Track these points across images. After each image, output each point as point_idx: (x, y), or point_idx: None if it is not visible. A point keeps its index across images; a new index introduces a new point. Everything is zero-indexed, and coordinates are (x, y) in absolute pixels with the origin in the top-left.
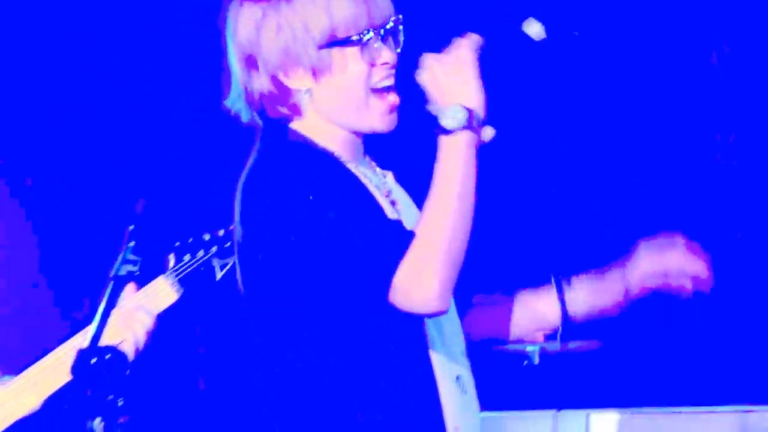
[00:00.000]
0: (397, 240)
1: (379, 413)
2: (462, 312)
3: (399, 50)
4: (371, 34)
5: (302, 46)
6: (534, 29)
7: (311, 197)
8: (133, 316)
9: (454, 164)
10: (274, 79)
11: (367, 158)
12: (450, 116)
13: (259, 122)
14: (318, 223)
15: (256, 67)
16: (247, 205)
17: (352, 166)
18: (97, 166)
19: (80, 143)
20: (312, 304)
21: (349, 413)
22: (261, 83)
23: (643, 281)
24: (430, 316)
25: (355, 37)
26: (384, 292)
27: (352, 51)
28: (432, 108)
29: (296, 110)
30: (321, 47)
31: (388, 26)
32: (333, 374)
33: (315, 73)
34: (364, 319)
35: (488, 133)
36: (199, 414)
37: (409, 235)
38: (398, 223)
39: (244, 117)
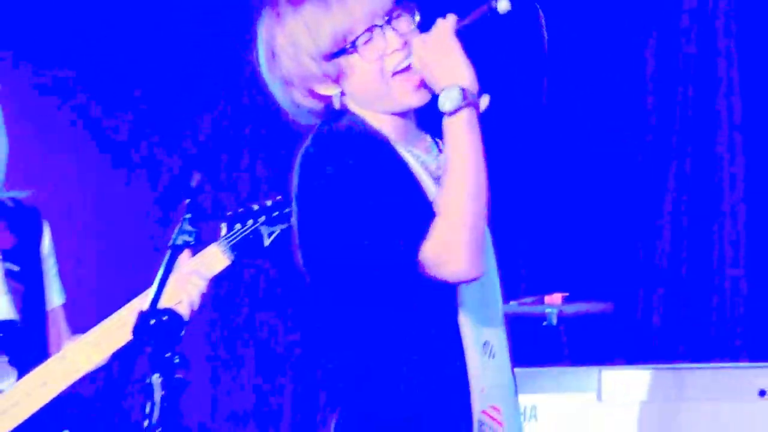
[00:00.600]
0: (426, 218)
1: (410, 375)
2: None
3: (413, 25)
4: (361, 39)
5: (305, 66)
6: (502, 5)
7: (354, 174)
8: (188, 280)
9: (461, 141)
10: (307, 92)
11: (423, 135)
12: (447, 99)
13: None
14: (358, 200)
15: (293, 86)
16: (303, 178)
17: (400, 147)
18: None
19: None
20: (352, 272)
21: (383, 374)
22: (299, 99)
23: None
24: (467, 282)
25: (348, 46)
26: (416, 265)
27: (353, 57)
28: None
29: (340, 110)
30: (326, 60)
31: (378, 21)
32: (368, 339)
33: (334, 80)
34: (397, 289)
35: (485, 102)
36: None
37: (430, 213)
38: (429, 204)
39: (302, 120)
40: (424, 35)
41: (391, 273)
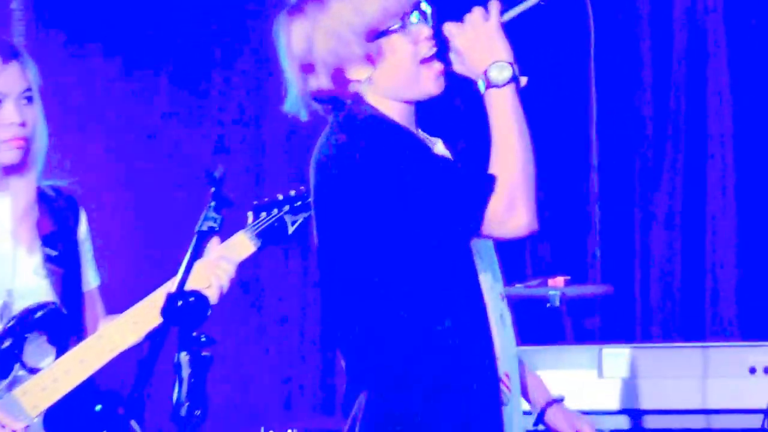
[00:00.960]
0: (485, 180)
1: (443, 343)
2: None
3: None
4: (407, 18)
5: (349, 45)
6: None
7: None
8: (217, 265)
9: (509, 112)
10: (335, 77)
11: (419, 130)
12: (499, 72)
13: (319, 109)
14: (420, 165)
15: (314, 71)
16: (341, 162)
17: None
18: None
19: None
20: (386, 231)
21: (417, 343)
22: (320, 83)
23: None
24: (523, 238)
25: (395, 26)
26: (474, 226)
27: (396, 36)
28: (465, 69)
29: (357, 98)
30: (369, 41)
31: (421, 7)
32: (402, 309)
33: (372, 61)
34: (438, 260)
35: (524, 80)
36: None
37: (489, 176)
38: (476, 169)
39: (303, 116)
40: (459, 23)
41: (434, 242)
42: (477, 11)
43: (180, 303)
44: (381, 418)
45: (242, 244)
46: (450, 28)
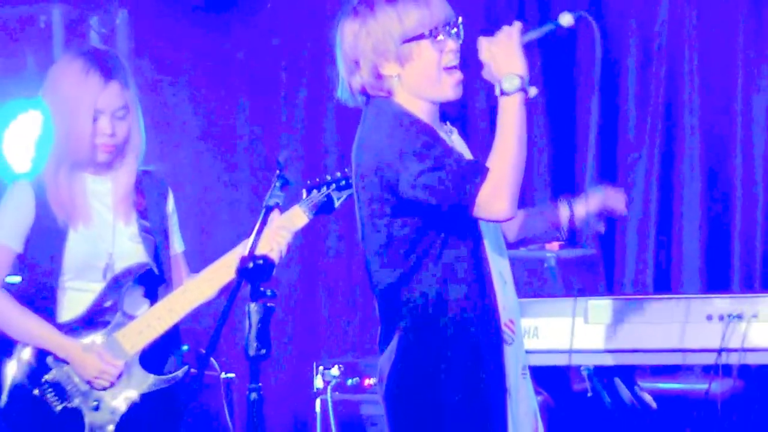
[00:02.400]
0: (478, 167)
1: (460, 295)
2: None
3: (461, 41)
4: (437, 31)
5: (386, 44)
6: (566, 20)
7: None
8: (278, 233)
9: (513, 116)
10: (373, 71)
11: (446, 123)
12: (509, 83)
13: (362, 101)
14: (428, 153)
15: (359, 66)
16: (370, 144)
17: (436, 128)
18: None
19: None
20: (412, 208)
21: (440, 294)
22: (363, 76)
23: (594, 208)
24: (504, 221)
25: (425, 34)
26: (466, 204)
27: (425, 43)
28: (489, 76)
29: (390, 92)
30: (402, 43)
31: (450, 24)
32: (428, 263)
33: (401, 61)
34: (449, 228)
35: (533, 91)
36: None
37: (484, 167)
38: (477, 161)
39: (350, 103)
40: (490, 37)
41: (447, 214)
42: (503, 31)
43: (251, 264)
44: (411, 352)
45: (298, 216)
46: (481, 42)
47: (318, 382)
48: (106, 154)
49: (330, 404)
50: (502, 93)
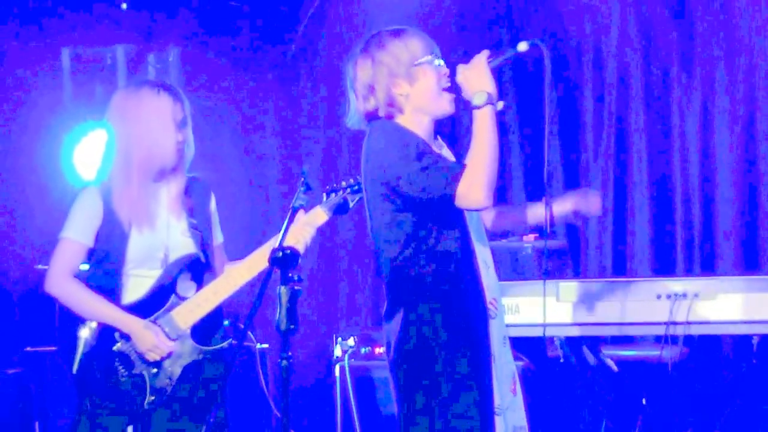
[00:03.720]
0: (461, 167)
1: (453, 276)
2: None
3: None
4: (434, 56)
5: (398, 69)
6: (522, 47)
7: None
8: (303, 229)
9: (485, 124)
10: (387, 92)
11: (438, 138)
12: (478, 98)
13: (367, 128)
14: (417, 157)
15: (374, 91)
16: (374, 154)
17: (429, 141)
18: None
19: None
20: (408, 204)
21: (438, 274)
22: (378, 98)
23: (571, 207)
24: (480, 210)
25: (427, 59)
26: (449, 197)
27: (428, 66)
28: (466, 95)
29: (400, 109)
30: (411, 66)
31: (437, 54)
32: (425, 247)
33: (411, 81)
34: (440, 221)
35: (500, 105)
36: None
37: (463, 166)
38: (460, 163)
39: (356, 127)
40: (465, 64)
41: (435, 205)
42: (474, 58)
43: (280, 254)
44: (413, 324)
45: (319, 215)
46: (458, 68)
47: (337, 351)
48: (175, 156)
49: (347, 369)
50: (475, 107)
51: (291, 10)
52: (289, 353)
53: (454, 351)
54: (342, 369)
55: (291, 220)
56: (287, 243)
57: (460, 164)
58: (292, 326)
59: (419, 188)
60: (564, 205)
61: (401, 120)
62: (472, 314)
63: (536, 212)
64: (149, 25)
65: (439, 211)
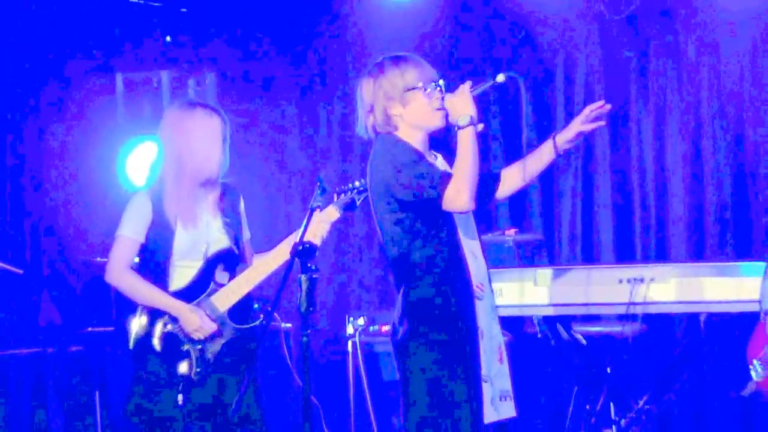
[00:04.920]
0: (446, 176)
1: (444, 267)
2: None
3: (443, 93)
4: (426, 83)
5: (393, 92)
6: (500, 78)
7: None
8: (319, 225)
9: (467, 142)
10: (384, 112)
11: (431, 151)
12: (462, 120)
13: (373, 136)
14: (414, 167)
15: (373, 110)
16: (378, 164)
17: (424, 152)
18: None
19: None
20: (406, 206)
21: (430, 263)
22: (376, 116)
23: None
24: (464, 212)
25: (419, 86)
26: (437, 200)
27: (419, 91)
28: (451, 119)
29: (395, 126)
30: (404, 92)
31: (434, 81)
32: (422, 241)
33: (403, 104)
34: (433, 217)
35: (480, 126)
36: None
37: (450, 175)
38: (447, 172)
39: (365, 137)
40: (451, 93)
41: (426, 205)
42: (459, 87)
43: (300, 247)
44: (410, 304)
45: (332, 213)
46: (446, 96)
47: (349, 329)
48: (220, 169)
49: (358, 344)
50: (459, 128)
51: (306, 44)
52: (309, 331)
53: (444, 327)
54: (354, 344)
55: (309, 219)
56: (306, 238)
57: (447, 174)
58: (311, 308)
59: (413, 194)
60: (569, 132)
61: (400, 134)
62: (459, 296)
63: (538, 157)
64: (189, 54)
65: (430, 212)
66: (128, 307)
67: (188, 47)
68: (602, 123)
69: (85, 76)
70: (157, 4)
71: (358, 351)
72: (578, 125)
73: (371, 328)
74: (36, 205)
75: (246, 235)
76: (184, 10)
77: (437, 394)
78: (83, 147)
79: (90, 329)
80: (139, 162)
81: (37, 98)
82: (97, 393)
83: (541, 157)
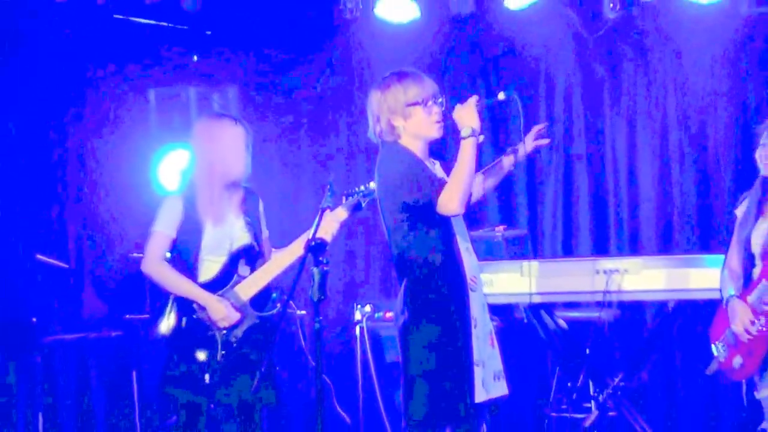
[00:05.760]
0: (441, 182)
1: (442, 261)
2: None
3: (443, 107)
4: (426, 99)
5: (395, 106)
6: (501, 96)
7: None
8: (329, 224)
9: (467, 152)
10: (388, 123)
11: (430, 159)
12: (465, 131)
13: (379, 142)
14: (415, 174)
15: (379, 120)
16: (384, 170)
17: (424, 159)
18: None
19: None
20: (408, 208)
21: (429, 257)
22: (382, 126)
23: (533, 146)
24: (456, 215)
25: (420, 102)
26: (433, 204)
27: (420, 107)
28: (459, 127)
29: (398, 136)
30: (406, 106)
31: (435, 97)
32: (421, 238)
33: (405, 117)
34: (431, 219)
35: (481, 138)
36: None
37: (444, 182)
38: (442, 179)
39: (374, 141)
40: (461, 104)
41: (425, 209)
42: (468, 100)
43: (313, 243)
44: (412, 295)
45: (341, 213)
46: (456, 107)
47: (357, 316)
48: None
49: (365, 330)
50: (461, 138)
51: (318, 63)
52: (321, 318)
53: (441, 316)
54: (361, 330)
55: (320, 218)
56: (318, 235)
57: (442, 181)
58: (322, 297)
59: (413, 198)
60: (528, 147)
61: (402, 142)
62: (455, 288)
63: (508, 161)
64: (213, 71)
65: (429, 214)
66: (161, 297)
67: (213, 65)
68: (547, 141)
69: (122, 92)
70: (184, 28)
71: (365, 335)
72: (531, 142)
73: (377, 314)
74: (79, 208)
75: (265, 233)
76: (209, 32)
77: (434, 376)
78: (120, 155)
79: (127, 316)
80: (169, 168)
81: (79, 113)
82: (134, 372)
83: (500, 171)
